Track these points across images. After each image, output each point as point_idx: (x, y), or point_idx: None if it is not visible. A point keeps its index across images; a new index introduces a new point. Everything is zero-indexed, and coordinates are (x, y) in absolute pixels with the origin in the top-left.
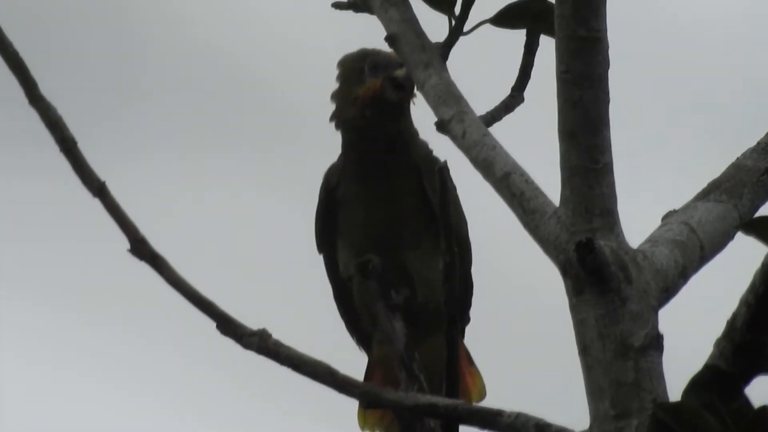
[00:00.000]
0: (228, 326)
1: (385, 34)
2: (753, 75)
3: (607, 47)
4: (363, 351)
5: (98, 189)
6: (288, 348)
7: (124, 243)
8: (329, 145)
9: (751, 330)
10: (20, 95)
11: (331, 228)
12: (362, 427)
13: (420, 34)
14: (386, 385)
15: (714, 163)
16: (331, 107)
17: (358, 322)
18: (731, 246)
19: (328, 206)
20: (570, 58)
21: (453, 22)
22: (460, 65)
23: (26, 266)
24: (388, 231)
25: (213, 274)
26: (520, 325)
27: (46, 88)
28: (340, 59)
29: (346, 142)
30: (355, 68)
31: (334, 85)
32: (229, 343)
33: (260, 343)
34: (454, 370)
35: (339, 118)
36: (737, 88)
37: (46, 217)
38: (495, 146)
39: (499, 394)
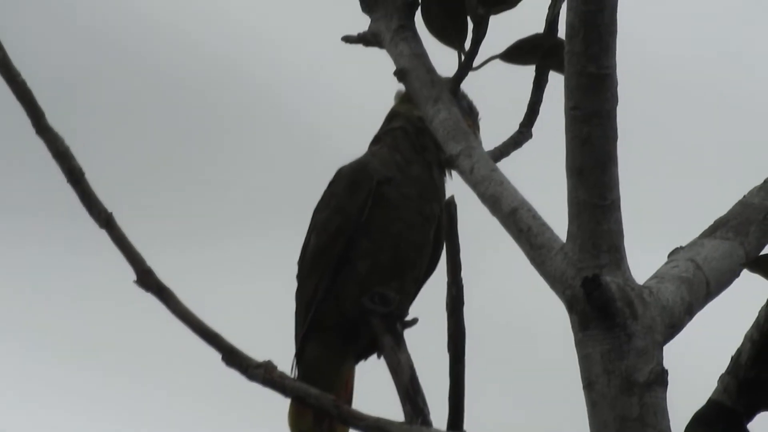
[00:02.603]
0: (233, 358)
1: (394, 68)
2: (761, 111)
3: (616, 84)
4: (295, 364)
5: (105, 220)
6: (293, 380)
7: (131, 274)
8: None
9: (756, 366)
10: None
11: (352, 227)
12: (295, 428)
13: (429, 69)
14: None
15: (721, 200)
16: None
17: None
18: (737, 283)
19: (364, 200)
20: (579, 95)
21: (463, 57)
22: (475, 98)
23: (27, 299)
24: (421, 253)
25: (217, 307)
26: (525, 359)
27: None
28: None
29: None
30: None
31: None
32: (235, 375)
33: (265, 374)
34: (459, 403)
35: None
36: (745, 125)
37: (52, 250)
38: (503, 182)
39: (503, 428)
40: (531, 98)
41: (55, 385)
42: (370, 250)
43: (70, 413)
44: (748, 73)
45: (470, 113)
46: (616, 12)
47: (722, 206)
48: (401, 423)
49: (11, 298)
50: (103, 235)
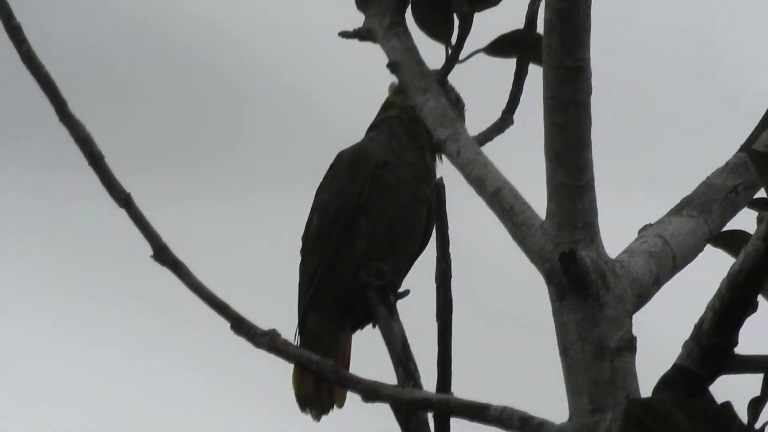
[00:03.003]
0: (241, 326)
1: (387, 61)
2: (724, 97)
3: (590, 75)
4: (298, 332)
5: (124, 200)
6: (296, 347)
7: (148, 250)
8: None
9: (717, 334)
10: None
11: (353, 207)
12: (302, 399)
13: (419, 61)
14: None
15: (686, 181)
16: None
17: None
18: (701, 257)
19: (363, 181)
20: (556, 85)
21: (449, 51)
22: (458, 90)
23: (53, 272)
24: (413, 231)
25: (226, 278)
26: (507, 328)
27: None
28: None
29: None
30: None
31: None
32: (242, 342)
33: (270, 342)
34: (447, 368)
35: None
36: (710, 111)
37: (75, 226)
38: (487, 164)
39: (487, 390)
40: (512, 88)
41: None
42: (368, 229)
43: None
44: (718, 54)
45: (456, 103)
46: (589, 9)
47: (688, 186)
48: (394, 386)
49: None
50: (122, 214)
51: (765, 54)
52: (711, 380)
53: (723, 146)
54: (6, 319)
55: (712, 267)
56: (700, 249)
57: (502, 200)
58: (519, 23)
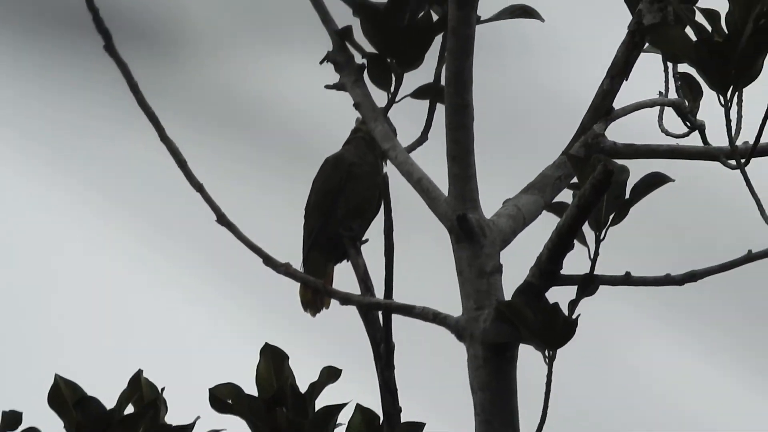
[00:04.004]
0: (269, 261)
1: (353, 102)
2: (562, 115)
3: (472, 109)
4: (302, 264)
5: (198, 186)
6: (302, 273)
7: (212, 216)
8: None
9: (550, 262)
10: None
11: (334, 188)
12: (305, 303)
13: (372, 103)
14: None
15: (531, 172)
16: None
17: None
18: (540, 219)
19: (341, 175)
20: (452, 116)
21: (389, 96)
22: (394, 120)
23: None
24: (372, 204)
25: (256, 232)
26: (425, 260)
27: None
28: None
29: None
30: None
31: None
32: (269, 271)
33: (287, 270)
34: (389, 282)
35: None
36: (547, 127)
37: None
38: (413, 164)
39: (412, 298)
40: (427, 118)
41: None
42: (344, 203)
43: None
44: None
45: (393, 128)
46: (471, 69)
47: (532, 175)
48: (359, 295)
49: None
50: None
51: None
52: (546, 290)
53: (555, 150)
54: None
55: (547, 224)
56: (539, 213)
57: (422, 184)
58: (430, 78)
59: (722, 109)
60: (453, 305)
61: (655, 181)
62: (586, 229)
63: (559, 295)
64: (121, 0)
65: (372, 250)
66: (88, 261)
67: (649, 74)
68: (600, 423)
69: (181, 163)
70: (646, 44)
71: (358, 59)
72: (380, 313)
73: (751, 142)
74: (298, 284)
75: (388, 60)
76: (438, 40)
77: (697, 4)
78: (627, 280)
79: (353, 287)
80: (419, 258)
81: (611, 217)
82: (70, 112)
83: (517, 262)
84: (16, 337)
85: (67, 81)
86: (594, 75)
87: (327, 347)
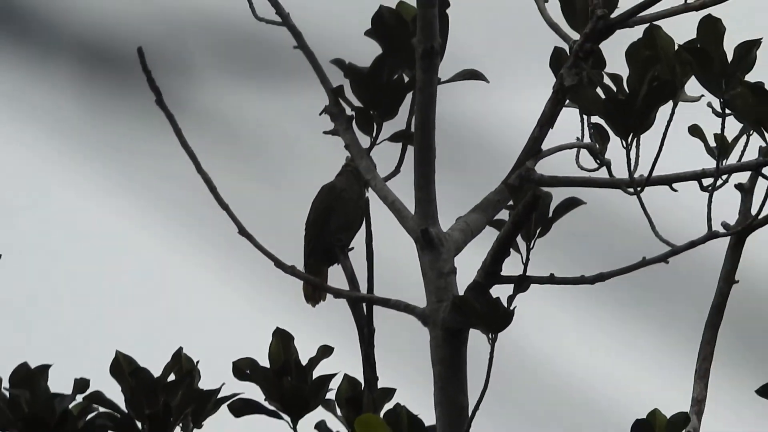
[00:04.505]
0: (279, 264)
1: (344, 144)
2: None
3: (435, 148)
4: (304, 267)
5: (225, 206)
6: (304, 273)
7: (235, 229)
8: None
9: (492, 265)
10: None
11: (326, 209)
12: (306, 297)
13: (358, 144)
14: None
15: (478, 197)
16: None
17: (317, 260)
18: (484, 232)
19: (333, 197)
20: (419, 155)
21: (372, 140)
22: (375, 157)
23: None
24: (357, 220)
25: (269, 241)
26: (396, 268)
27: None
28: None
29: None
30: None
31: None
32: (279, 272)
33: (293, 270)
34: (371, 282)
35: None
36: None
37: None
38: (388, 190)
39: (388, 292)
40: (400, 156)
41: None
42: (336, 220)
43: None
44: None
45: (373, 164)
46: (434, 118)
47: (479, 199)
48: (347, 290)
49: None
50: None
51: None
52: (489, 287)
53: (496, 180)
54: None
55: (490, 237)
56: (483, 228)
57: (395, 206)
58: (403, 126)
59: (624, 151)
60: (419, 298)
61: (571, 203)
62: (520, 240)
63: (500, 291)
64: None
65: (357, 256)
66: (141, 259)
67: (569, 124)
68: (526, 389)
69: (212, 189)
70: (567, 101)
71: (349, 111)
72: (364, 304)
73: (646, 175)
74: (301, 282)
75: (371, 112)
76: (409, 96)
77: (605, 70)
78: (551, 279)
79: (343, 284)
80: (393, 262)
81: (538, 230)
82: (126, 148)
83: (467, 266)
84: (81, 317)
85: (124, 123)
86: (528, 124)
87: (323, 330)
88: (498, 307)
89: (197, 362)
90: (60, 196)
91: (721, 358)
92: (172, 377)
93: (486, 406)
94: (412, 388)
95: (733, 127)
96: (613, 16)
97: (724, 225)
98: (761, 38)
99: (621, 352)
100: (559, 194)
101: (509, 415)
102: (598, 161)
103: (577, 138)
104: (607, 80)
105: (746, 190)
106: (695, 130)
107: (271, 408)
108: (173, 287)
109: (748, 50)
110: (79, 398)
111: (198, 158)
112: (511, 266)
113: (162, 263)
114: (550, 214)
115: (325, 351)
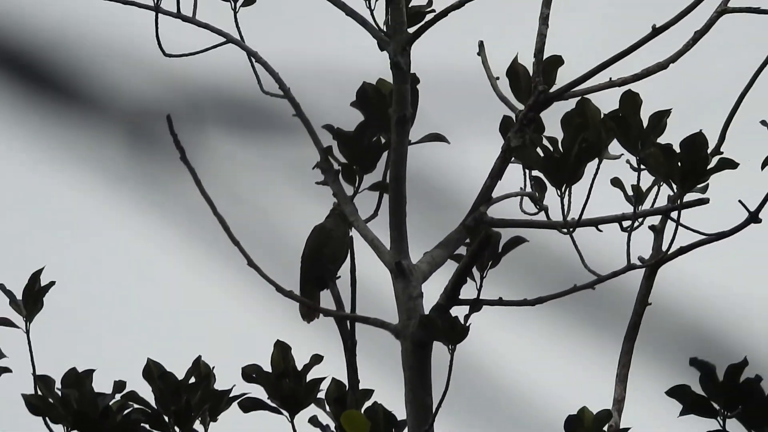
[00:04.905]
0: (280, 289)
1: (332, 192)
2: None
3: (405, 197)
4: (300, 291)
5: (236, 242)
6: (300, 296)
7: (244, 261)
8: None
9: (452, 291)
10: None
11: (318, 246)
12: (302, 315)
13: (344, 192)
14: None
15: (441, 236)
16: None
17: (311, 287)
18: (446, 265)
19: (323, 236)
20: (393, 203)
21: (354, 189)
22: (357, 203)
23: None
24: (343, 254)
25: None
26: (376, 293)
27: None
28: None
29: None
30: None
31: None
32: (279, 296)
33: (291, 295)
34: (354, 302)
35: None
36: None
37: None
38: (369, 230)
39: (368, 312)
40: (378, 202)
41: None
42: (326, 254)
43: None
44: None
45: (356, 209)
46: (405, 173)
47: (442, 237)
48: (335, 310)
49: None
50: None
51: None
52: (450, 308)
53: (456, 222)
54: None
55: (451, 268)
56: (445, 261)
57: (374, 242)
58: (380, 178)
59: (559, 198)
60: (393, 317)
61: (516, 241)
62: (475, 270)
63: (458, 312)
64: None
65: (343, 283)
66: (169, 283)
67: (514, 176)
68: (479, 391)
69: (226, 228)
70: (513, 158)
71: (336, 166)
72: (348, 321)
73: (576, 218)
74: (298, 303)
75: (354, 167)
76: (385, 155)
77: (544, 134)
78: (500, 302)
79: (331, 305)
80: (372, 287)
81: (490, 263)
82: (158, 193)
83: (432, 291)
84: (119, 330)
85: (156, 174)
86: (481, 177)
87: (315, 342)
88: (456, 324)
89: (213, 368)
90: (106, 231)
91: (637, 366)
92: (192, 380)
93: (446, 405)
94: (387, 390)
95: (646, 179)
96: (551, 91)
97: (640, 259)
98: (671, 108)
99: (556, 361)
100: (506, 234)
101: (465, 412)
102: (538, 207)
103: (521, 188)
104: (545, 142)
105: (658, 231)
106: (616, 182)
107: (273, 405)
108: (195, 306)
109: (660, 118)
110: (118, 397)
111: (214, 203)
112: (468, 291)
113: (186, 287)
114: (500, 250)
115: (317, 359)
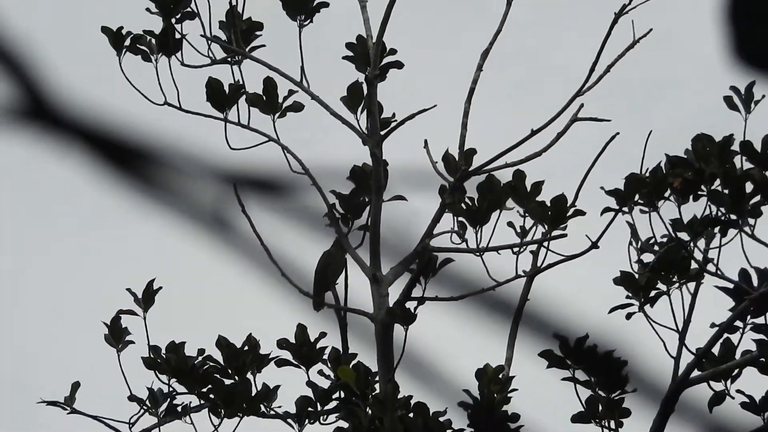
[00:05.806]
0: (301, 290)
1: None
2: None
3: (380, 235)
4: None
5: (284, 275)
6: (313, 295)
7: (279, 274)
8: None
9: (407, 292)
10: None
11: (326, 264)
12: (314, 306)
13: (342, 231)
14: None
15: (399, 258)
16: None
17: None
18: (404, 276)
19: (329, 258)
20: (372, 239)
21: (348, 229)
22: (350, 239)
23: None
24: (340, 270)
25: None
26: (358, 293)
27: None
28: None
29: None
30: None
31: None
32: (301, 295)
33: (307, 294)
34: (346, 298)
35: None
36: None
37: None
38: (357, 253)
39: (355, 305)
40: (362, 237)
41: None
42: (331, 269)
43: None
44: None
45: (349, 241)
46: (380, 219)
47: (399, 259)
48: (335, 304)
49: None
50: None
51: None
52: (405, 303)
53: (407, 250)
54: None
55: (405, 278)
56: (403, 273)
57: (359, 262)
58: (363, 221)
59: (474, 234)
60: (370, 308)
61: (447, 261)
62: (422, 279)
63: (410, 305)
64: None
65: (340, 287)
66: (229, 291)
67: (448, 220)
68: (421, 357)
69: (269, 255)
70: (447, 210)
71: (337, 215)
72: (342, 311)
73: (485, 245)
74: (311, 300)
75: (348, 216)
76: (368, 209)
77: (466, 195)
78: (436, 299)
79: (332, 301)
80: (357, 289)
81: (430, 274)
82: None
83: (395, 292)
84: (205, 315)
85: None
86: (427, 221)
87: (322, 324)
88: (409, 313)
89: (258, 340)
90: (195, 259)
91: (521, 341)
92: (246, 348)
93: (401, 365)
94: (366, 354)
95: (529, 222)
96: (470, 169)
97: (524, 271)
98: (544, 180)
99: (471, 338)
100: (442, 256)
101: (412, 370)
102: (462, 240)
103: (452, 228)
104: (467, 200)
105: (534, 254)
106: (510, 224)
107: (295, 363)
108: (248, 303)
109: (537, 186)
110: (200, 358)
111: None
112: (417, 292)
113: (243, 294)
114: (437, 266)
115: (323, 335)
